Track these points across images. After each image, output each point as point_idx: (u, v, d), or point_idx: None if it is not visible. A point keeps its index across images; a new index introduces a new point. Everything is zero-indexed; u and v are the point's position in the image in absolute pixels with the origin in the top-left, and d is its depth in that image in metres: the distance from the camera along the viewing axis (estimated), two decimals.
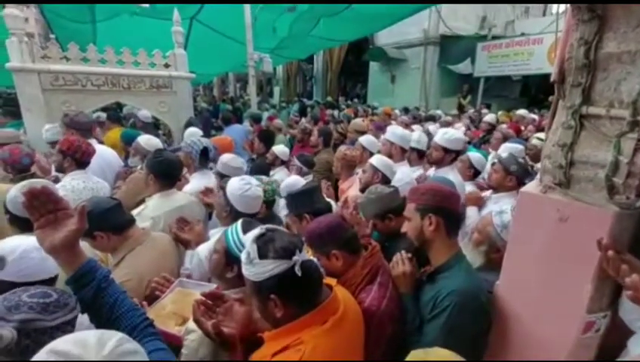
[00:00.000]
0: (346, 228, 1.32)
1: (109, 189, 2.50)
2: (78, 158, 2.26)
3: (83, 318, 0.96)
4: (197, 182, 2.47)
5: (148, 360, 0.63)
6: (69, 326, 0.91)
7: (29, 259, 1.11)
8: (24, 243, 1.14)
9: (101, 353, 0.57)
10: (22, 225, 1.53)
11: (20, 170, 2.40)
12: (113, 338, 0.60)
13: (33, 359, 0.55)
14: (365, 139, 3.16)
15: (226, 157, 2.49)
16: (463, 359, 0.73)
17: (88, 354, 0.56)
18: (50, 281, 1.16)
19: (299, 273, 0.93)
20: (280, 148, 3.37)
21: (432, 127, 4.98)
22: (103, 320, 0.91)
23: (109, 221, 1.48)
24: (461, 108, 9.98)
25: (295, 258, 0.93)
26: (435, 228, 1.27)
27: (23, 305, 0.85)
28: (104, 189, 2.36)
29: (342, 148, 2.94)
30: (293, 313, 0.98)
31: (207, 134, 4.33)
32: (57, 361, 0.55)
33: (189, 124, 4.04)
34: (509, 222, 1.44)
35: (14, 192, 1.54)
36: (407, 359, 0.74)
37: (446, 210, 1.29)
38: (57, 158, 2.34)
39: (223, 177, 2.36)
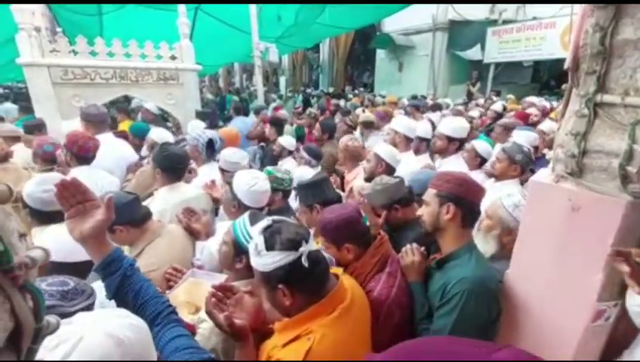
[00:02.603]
0: (362, 222, 1.33)
1: (118, 184, 2.51)
2: (76, 153, 2.24)
3: (99, 304, 1.01)
4: (205, 174, 2.50)
5: (144, 324, 0.69)
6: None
7: (73, 243, 1.15)
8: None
9: (102, 314, 0.63)
10: (41, 219, 1.58)
11: (44, 160, 2.47)
12: (115, 309, 0.66)
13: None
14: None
15: (225, 152, 2.47)
16: None
17: (90, 317, 0.62)
18: (89, 263, 1.20)
19: (306, 264, 0.94)
20: (286, 139, 3.38)
21: (435, 116, 4.90)
22: (129, 306, 0.94)
23: (128, 214, 1.51)
24: (470, 96, 9.81)
25: (302, 249, 0.95)
26: (452, 218, 1.27)
27: (44, 293, 0.89)
28: (112, 185, 2.35)
29: (343, 140, 2.92)
30: (302, 301, 1.00)
31: (214, 126, 4.36)
32: None
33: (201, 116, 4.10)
34: (519, 201, 1.45)
35: (32, 187, 1.58)
36: None
37: (466, 201, 1.28)
38: (64, 152, 2.38)
39: (223, 172, 2.37)
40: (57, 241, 1.27)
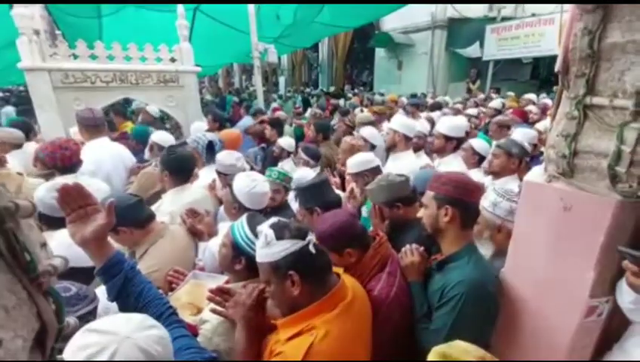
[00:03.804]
0: (357, 225, 1.35)
1: (108, 190, 2.32)
2: (60, 167, 2.12)
3: (102, 309, 1.03)
4: (205, 176, 2.53)
5: (167, 333, 0.72)
6: (90, 317, 1.00)
7: (76, 248, 1.17)
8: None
9: (128, 325, 0.65)
10: (50, 224, 1.61)
11: (44, 164, 2.49)
12: (138, 315, 0.69)
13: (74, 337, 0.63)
14: (366, 131, 3.17)
15: (220, 155, 2.45)
16: (486, 353, 0.74)
17: (117, 327, 0.63)
18: (92, 269, 1.22)
19: (313, 250, 1.00)
20: (286, 140, 3.40)
21: (434, 115, 4.93)
22: (130, 308, 0.97)
23: (132, 216, 1.54)
24: (470, 93, 9.82)
25: (309, 238, 1.01)
26: (450, 220, 1.29)
27: None
28: (99, 191, 2.09)
29: (347, 139, 2.94)
30: (309, 292, 1.03)
31: (222, 127, 4.43)
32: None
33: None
34: (495, 199, 1.51)
35: (43, 193, 1.61)
36: (430, 355, 0.75)
37: (464, 202, 1.29)
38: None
39: (219, 174, 2.39)
40: (65, 247, 1.30)
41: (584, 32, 0.95)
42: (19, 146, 3.08)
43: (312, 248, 1.01)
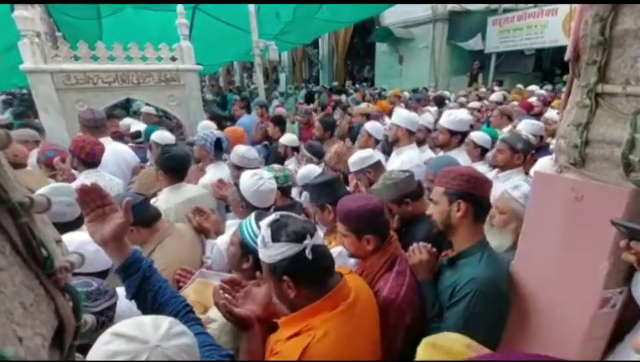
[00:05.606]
0: (384, 214, 1.33)
1: (123, 185, 2.55)
2: (83, 159, 2.31)
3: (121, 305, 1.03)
4: (212, 174, 2.53)
5: (194, 340, 0.70)
6: (110, 311, 1.01)
7: (84, 251, 1.19)
8: (79, 237, 1.22)
9: (157, 333, 0.63)
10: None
11: (46, 165, 2.53)
12: (165, 320, 0.67)
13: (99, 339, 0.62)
14: (370, 126, 3.15)
15: (240, 149, 2.51)
16: (472, 341, 0.75)
17: (146, 334, 0.62)
18: (102, 274, 1.23)
19: (309, 256, 0.97)
20: (288, 138, 3.39)
21: (433, 110, 4.92)
22: (148, 306, 0.98)
23: (138, 215, 1.53)
24: (471, 85, 9.76)
25: (306, 242, 0.98)
26: (463, 215, 1.25)
27: None
28: (117, 186, 2.41)
29: (331, 150, 2.82)
30: (306, 294, 1.02)
31: (218, 125, 4.43)
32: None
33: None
34: (528, 190, 1.47)
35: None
36: (421, 345, 0.76)
37: (476, 196, 1.26)
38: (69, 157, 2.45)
39: (239, 169, 2.40)
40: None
41: (595, 18, 0.92)
42: (36, 143, 3.11)
43: (308, 253, 0.98)
